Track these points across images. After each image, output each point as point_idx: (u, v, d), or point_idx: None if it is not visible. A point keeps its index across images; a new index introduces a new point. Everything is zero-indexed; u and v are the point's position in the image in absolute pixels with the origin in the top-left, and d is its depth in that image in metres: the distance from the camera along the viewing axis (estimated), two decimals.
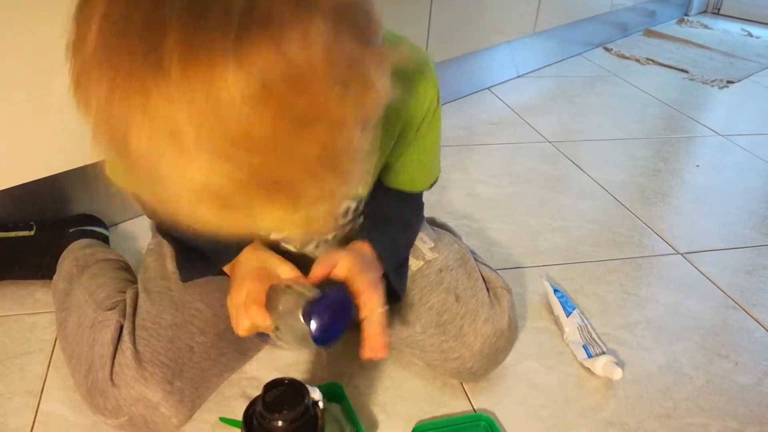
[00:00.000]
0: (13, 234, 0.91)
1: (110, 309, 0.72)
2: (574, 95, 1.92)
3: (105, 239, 0.95)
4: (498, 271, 0.85)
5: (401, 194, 0.77)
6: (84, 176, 0.95)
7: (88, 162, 0.93)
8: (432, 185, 0.79)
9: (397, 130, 0.67)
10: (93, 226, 0.94)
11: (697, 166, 1.51)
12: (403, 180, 0.75)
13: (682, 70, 2.23)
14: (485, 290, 0.80)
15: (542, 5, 1.87)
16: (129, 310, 0.71)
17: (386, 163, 0.72)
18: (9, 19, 0.78)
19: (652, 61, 2.30)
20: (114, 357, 0.67)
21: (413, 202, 0.79)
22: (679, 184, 1.41)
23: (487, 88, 1.89)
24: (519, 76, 2.02)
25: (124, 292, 0.75)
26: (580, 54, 2.31)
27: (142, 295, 0.72)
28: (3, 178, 0.87)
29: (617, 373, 0.83)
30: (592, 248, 1.13)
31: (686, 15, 3.07)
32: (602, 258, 1.10)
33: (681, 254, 1.14)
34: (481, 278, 0.81)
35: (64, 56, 0.38)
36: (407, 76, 0.63)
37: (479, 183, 1.32)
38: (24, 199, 0.93)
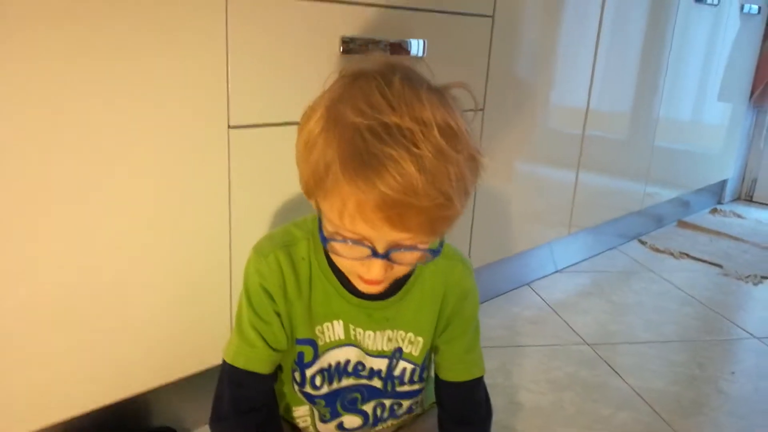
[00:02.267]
0: None
1: None
2: (611, 292, 2.02)
3: None
4: None
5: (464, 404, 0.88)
6: (165, 390, 1.08)
7: (170, 379, 1.06)
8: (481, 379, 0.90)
9: (439, 304, 0.83)
10: None
11: (732, 373, 1.56)
12: (456, 367, 0.87)
13: (716, 265, 2.33)
14: None
15: (576, 204, 2.03)
16: None
17: (440, 352, 0.87)
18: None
19: (686, 255, 2.41)
20: None
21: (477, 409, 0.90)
22: (715, 393, 1.46)
23: (527, 284, 2.02)
24: (557, 271, 2.15)
25: None
26: (615, 247, 2.44)
27: None
28: (98, 396, 0.98)
29: None
30: None
31: (719, 203, 3.22)
32: None
33: None
34: None
35: None
36: (448, 254, 0.81)
37: (521, 389, 1.41)
38: (99, 413, 1.02)
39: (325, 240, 0.68)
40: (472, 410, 0.90)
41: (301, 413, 0.92)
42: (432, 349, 0.88)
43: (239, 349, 0.79)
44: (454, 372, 0.88)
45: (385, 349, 0.85)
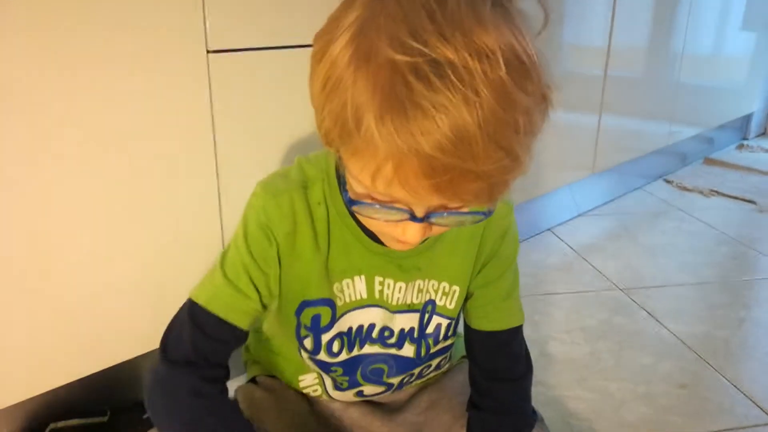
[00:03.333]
0: (87, 420, 0.91)
1: None
2: (639, 234, 1.88)
3: None
4: None
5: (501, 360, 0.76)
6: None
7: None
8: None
9: (476, 247, 0.71)
10: None
11: None
12: (492, 315, 0.74)
13: (749, 201, 2.17)
14: None
15: (599, 146, 1.88)
16: None
17: (473, 298, 0.74)
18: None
19: (717, 192, 2.26)
20: None
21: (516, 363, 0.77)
22: (766, 335, 1.33)
23: (548, 230, 1.87)
24: (579, 215, 2.00)
25: None
26: (640, 188, 2.29)
27: None
28: (79, 366, 0.88)
29: None
30: (683, 419, 1.05)
31: (745, 139, 3.05)
32: (695, 430, 1.02)
33: None
34: None
35: None
36: None
37: (551, 340, 1.28)
38: (97, 383, 0.94)
39: (350, 202, 0.54)
40: (509, 365, 0.77)
41: (308, 382, 0.79)
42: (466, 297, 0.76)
43: (219, 292, 0.65)
44: (490, 320, 0.75)
45: (415, 302, 0.72)
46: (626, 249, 1.77)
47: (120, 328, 0.90)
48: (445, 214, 0.52)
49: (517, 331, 0.76)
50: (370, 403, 0.83)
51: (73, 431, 0.89)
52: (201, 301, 0.64)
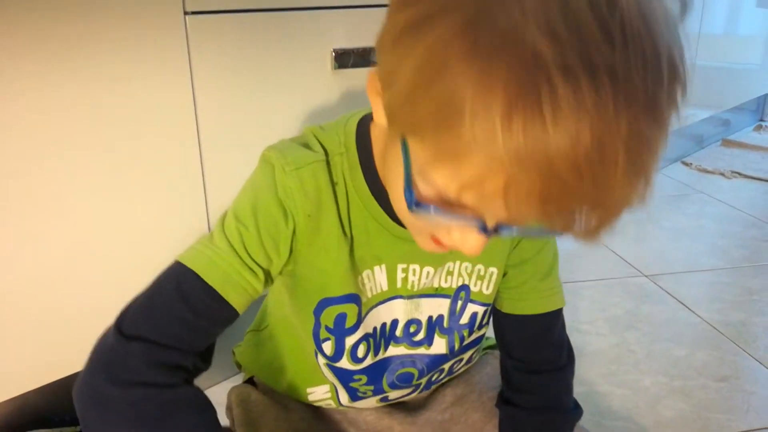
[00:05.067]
0: (57, 430, 0.82)
1: None
2: (661, 218, 1.76)
3: None
4: None
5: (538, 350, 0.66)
6: None
7: None
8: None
9: None
10: None
11: None
12: (529, 296, 0.64)
13: None
14: None
15: None
16: None
17: (506, 278, 0.64)
18: None
19: (739, 174, 2.14)
20: None
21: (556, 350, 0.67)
22: None
23: None
24: None
25: None
26: (658, 171, 2.17)
27: None
28: (48, 371, 0.78)
29: None
30: (726, 416, 0.94)
31: (762, 120, 2.93)
32: (740, 428, 0.92)
33: None
34: None
35: None
36: None
37: (574, 331, 1.17)
38: (68, 391, 0.84)
39: (415, 204, 0.42)
40: (549, 354, 0.66)
41: (319, 396, 0.68)
42: None
43: (218, 259, 0.51)
44: (527, 303, 0.64)
45: (444, 285, 0.61)
46: (649, 233, 1.66)
47: (93, 330, 0.79)
48: (516, 229, 0.42)
49: (558, 314, 0.66)
50: (389, 407, 0.72)
51: None
52: (194, 266, 0.51)
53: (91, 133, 0.74)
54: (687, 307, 1.27)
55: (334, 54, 0.91)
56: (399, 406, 0.72)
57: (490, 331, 0.70)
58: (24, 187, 0.70)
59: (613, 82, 0.33)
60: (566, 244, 1.48)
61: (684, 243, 1.60)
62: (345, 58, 0.92)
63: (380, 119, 0.44)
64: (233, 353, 0.77)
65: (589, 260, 1.48)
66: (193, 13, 0.79)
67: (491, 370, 0.71)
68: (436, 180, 0.40)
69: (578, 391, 0.98)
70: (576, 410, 0.68)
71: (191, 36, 0.79)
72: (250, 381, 0.73)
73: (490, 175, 0.36)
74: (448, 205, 0.41)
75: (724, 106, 2.50)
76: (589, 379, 1.03)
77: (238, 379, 0.76)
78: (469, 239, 0.44)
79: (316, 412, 0.70)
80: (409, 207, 0.42)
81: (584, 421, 0.78)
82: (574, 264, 1.46)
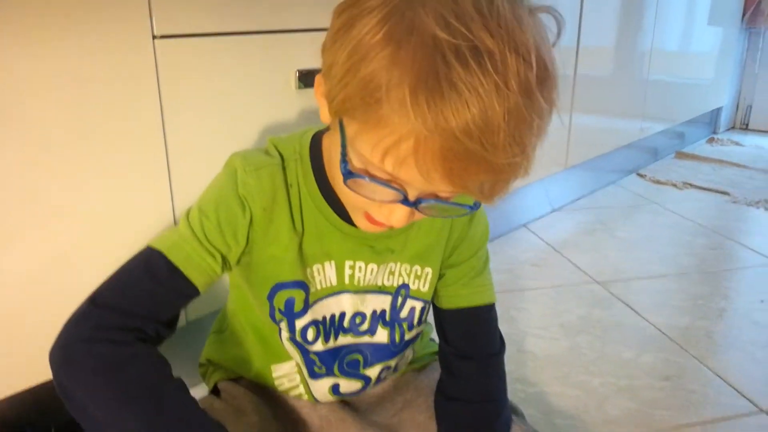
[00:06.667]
0: None
1: None
2: (615, 228, 1.84)
3: None
4: None
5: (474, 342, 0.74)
6: None
7: None
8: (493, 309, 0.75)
9: (448, 230, 0.70)
10: None
11: (762, 301, 1.39)
12: (462, 292, 0.73)
13: (723, 192, 2.16)
14: None
15: (572, 141, 1.85)
16: None
17: (443, 279, 0.73)
18: None
19: (690, 185, 2.24)
20: None
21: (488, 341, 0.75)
22: (748, 325, 1.29)
23: (523, 225, 1.83)
24: (554, 211, 1.97)
25: None
26: (613, 182, 2.26)
27: None
28: (21, 379, 0.80)
29: None
30: (668, 412, 1.00)
31: (715, 133, 3.05)
32: (680, 423, 0.98)
33: (765, 412, 1.01)
34: None
35: None
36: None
37: (529, 336, 1.23)
38: (44, 399, 0.86)
39: (348, 174, 0.53)
40: (481, 343, 0.74)
41: (286, 370, 0.74)
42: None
43: (182, 243, 0.60)
44: (461, 297, 0.73)
45: (386, 284, 0.70)
46: (603, 243, 1.73)
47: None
48: (434, 201, 0.53)
49: (490, 309, 0.74)
50: (342, 404, 0.77)
51: None
52: (161, 247, 0.60)
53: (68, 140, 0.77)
54: (636, 312, 1.33)
55: (298, 74, 0.96)
56: (352, 408, 0.78)
57: (435, 335, 0.77)
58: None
59: (493, 64, 0.44)
60: (525, 254, 1.55)
61: (636, 252, 1.67)
62: (308, 78, 0.97)
63: (324, 115, 0.55)
64: (199, 365, 0.82)
65: (545, 269, 1.55)
66: (162, 37, 0.83)
67: (437, 376, 0.77)
68: (363, 150, 0.50)
69: (531, 392, 1.05)
70: (506, 409, 0.74)
71: (160, 60, 0.83)
72: (214, 390, 0.78)
73: (403, 138, 0.46)
74: (374, 175, 0.51)
75: (678, 119, 2.60)
76: (542, 380, 1.08)
77: (202, 391, 0.80)
78: (396, 212, 0.54)
79: (275, 411, 0.75)
80: (345, 178, 0.52)
81: (535, 420, 0.84)
82: (531, 272, 1.53)
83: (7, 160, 0.73)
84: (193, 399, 0.58)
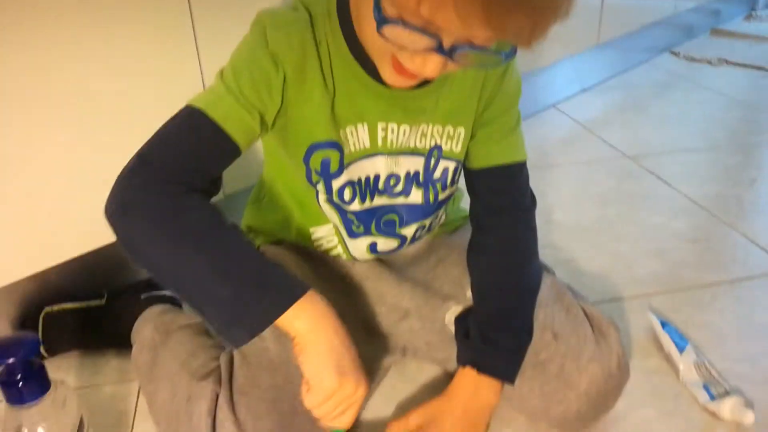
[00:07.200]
0: (84, 304, 0.88)
1: (205, 378, 0.66)
2: (648, 105, 1.81)
3: (177, 302, 0.91)
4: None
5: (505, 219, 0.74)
6: None
7: None
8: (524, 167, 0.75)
9: (480, 88, 0.69)
10: (164, 290, 0.90)
11: None
12: (494, 149, 0.72)
13: (760, 68, 2.09)
14: (588, 326, 0.72)
15: (605, 15, 1.79)
16: (225, 376, 0.65)
17: (475, 138, 0.72)
18: None
19: (725, 61, 2.17)
20: (214, 429, 0.62)
21: (522, 219, 0.75)
22: None
23: (553, 106, 1.81)
24: (584, 90, 1.93)
25: (218, 358, 0.69)
26: (646, 61, 2.20)
27: (237, 358, 0.66)
28: (72, 246, 0.84)
29: (749, 417, 0.73)
30: (696, 272, 1.03)
31: (753, 10, 2.92)
32: (708, 282, 1.00)
33: None
34: (581, 313, 0.74)
35: None
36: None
37: (558, 209, 1.24)
38: (93, 267, 0.91)
39: (382, 20, 0.51)
40: (512, 198, 0.74)
41: (324, 232, 0.77)
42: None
43: (220, 101, 0.59)
44: (493, 155, 0.72)
45: (419, 146, 0.70)
46: (634, 120, 1.71)
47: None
48: (469, 49, 0.50)
49: (522, 166, 0.74)
50: (379, 262, 0.80)
51: (69, 315, 0.86)
52: (200, 104, 0.59)
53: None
54: (666, 182, 1.34)
55: None
56: (388, 265, 0.80)
57: (467, 203, 0.78)
58: None
59: None
60: (555, 133, 1.53)
61: (668, 128, 1.65)
62: None
63: None
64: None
65: (575, 146, 1.54)
66: None
67: (469, 236, 0.78)
68: None
69: (560, 257, 1.07)
70: (536, 258, 0.76)
71: None
72: None
73: None
74: (409, 21, 0.49)
75: None
76: (571, 247, 1.10)
77: None
78: (429, 62, 0.52)
79: (315, 270, 0.78)
80: (378, 25, 0.51)
81: (563, 280, 0.86)
82: (561, 149, 1.52)
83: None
84: (250, 240, 0.60)
